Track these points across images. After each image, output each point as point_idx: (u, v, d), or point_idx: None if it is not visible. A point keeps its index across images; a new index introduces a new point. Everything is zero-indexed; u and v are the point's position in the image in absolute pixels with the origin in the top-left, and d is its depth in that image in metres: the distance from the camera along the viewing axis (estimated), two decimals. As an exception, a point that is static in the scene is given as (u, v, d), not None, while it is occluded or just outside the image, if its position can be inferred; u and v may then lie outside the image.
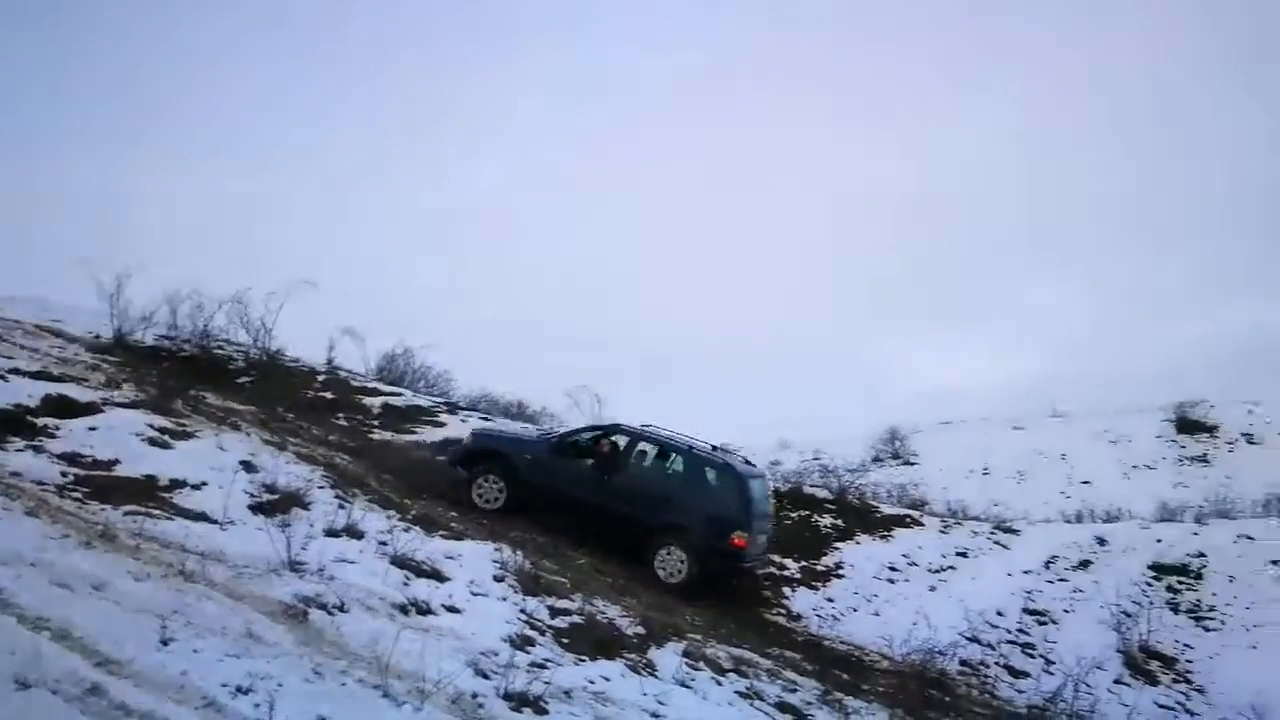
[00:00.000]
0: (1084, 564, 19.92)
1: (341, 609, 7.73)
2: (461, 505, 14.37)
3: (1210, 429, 36.85)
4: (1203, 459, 35.02)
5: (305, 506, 10.19)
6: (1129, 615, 17.28)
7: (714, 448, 15.84)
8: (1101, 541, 20.88)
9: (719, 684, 9.62)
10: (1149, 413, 38.97)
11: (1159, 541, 20.57)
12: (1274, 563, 19.17)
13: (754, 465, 17.29)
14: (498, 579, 10.10)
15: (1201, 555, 19.73)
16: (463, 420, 21.91)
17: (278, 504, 9.97)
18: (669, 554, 14.57)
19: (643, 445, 15.58)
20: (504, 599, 9.62)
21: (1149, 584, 18.94)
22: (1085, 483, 33.52)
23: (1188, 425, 37.06)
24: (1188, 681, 16.11)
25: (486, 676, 7.43)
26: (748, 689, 9.80)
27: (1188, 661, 16.66)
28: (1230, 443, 35.95)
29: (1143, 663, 16.28)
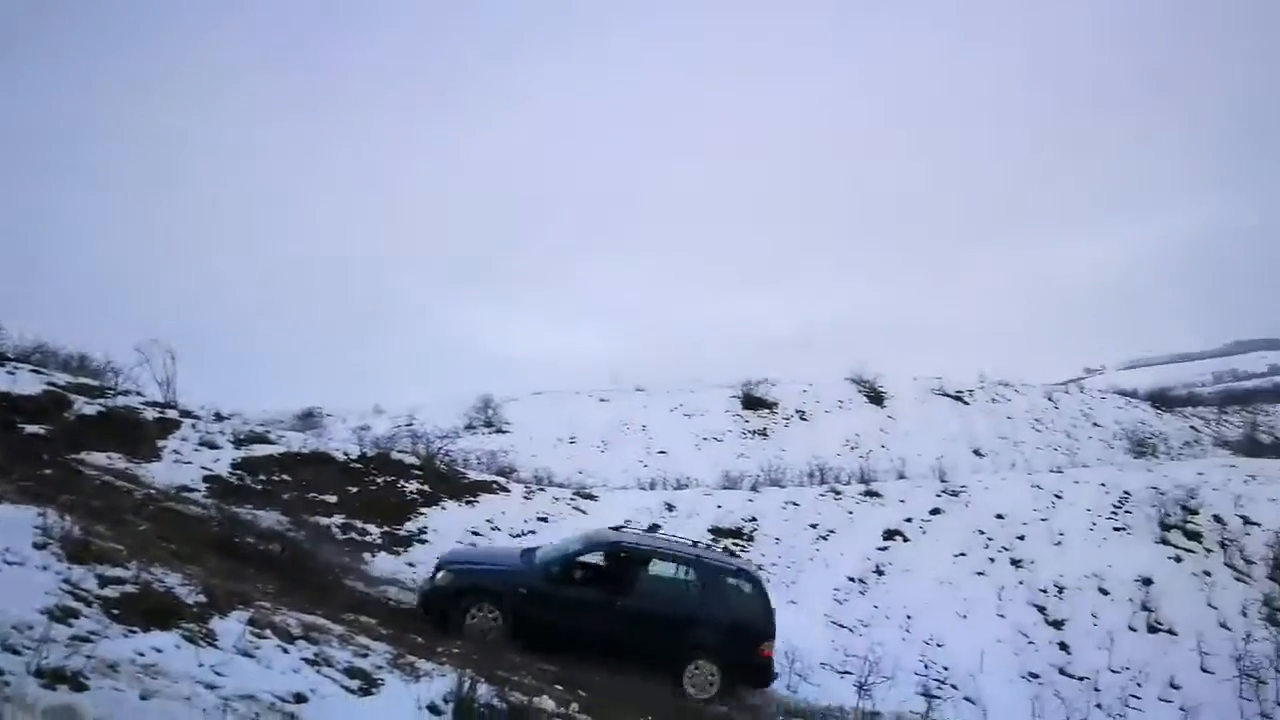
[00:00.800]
0: (653, 527, 21.25)
1: None
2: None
3: (771, 405, 40.55)
4: (763, 433, 38.48)
5: None
6: (689, 575, 18.69)
7: (694, 543, 14.77)
8: (670, 507, 22.42)
9: (285, 652, 9.33)
10: (720, 389, 42.26)
11: (719, 507, 22.42)
12: (812, 526, 21.49)
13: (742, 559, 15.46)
14: (39, 546, 9.19)
15: (754, 520, 21.73)
16: (10, 372, 19.72)
17: None
18: (698, 669, 13.13)
19: (649, 561, 13.84)
20: (45, 568, 8.77)
21: (708, 546, 20.59)
22: (662, 452, 35.79)
23: (752, 402, 40.55)
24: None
25: (17, 652, 6.75)
26: (316, 655, 9.58)
27: (736, 616, 18.30)
28: (786, 418, 39.77)
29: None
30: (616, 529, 15.13)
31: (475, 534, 19.90)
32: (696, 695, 12.86)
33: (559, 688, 10.90)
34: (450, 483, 22.09)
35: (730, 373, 42.67)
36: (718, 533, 21.11)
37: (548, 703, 9.36)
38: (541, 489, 23.69)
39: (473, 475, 23.36)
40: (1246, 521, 21.22)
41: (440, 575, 13.42)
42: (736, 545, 20.73)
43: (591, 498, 23.12)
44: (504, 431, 36.95)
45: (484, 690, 8.87)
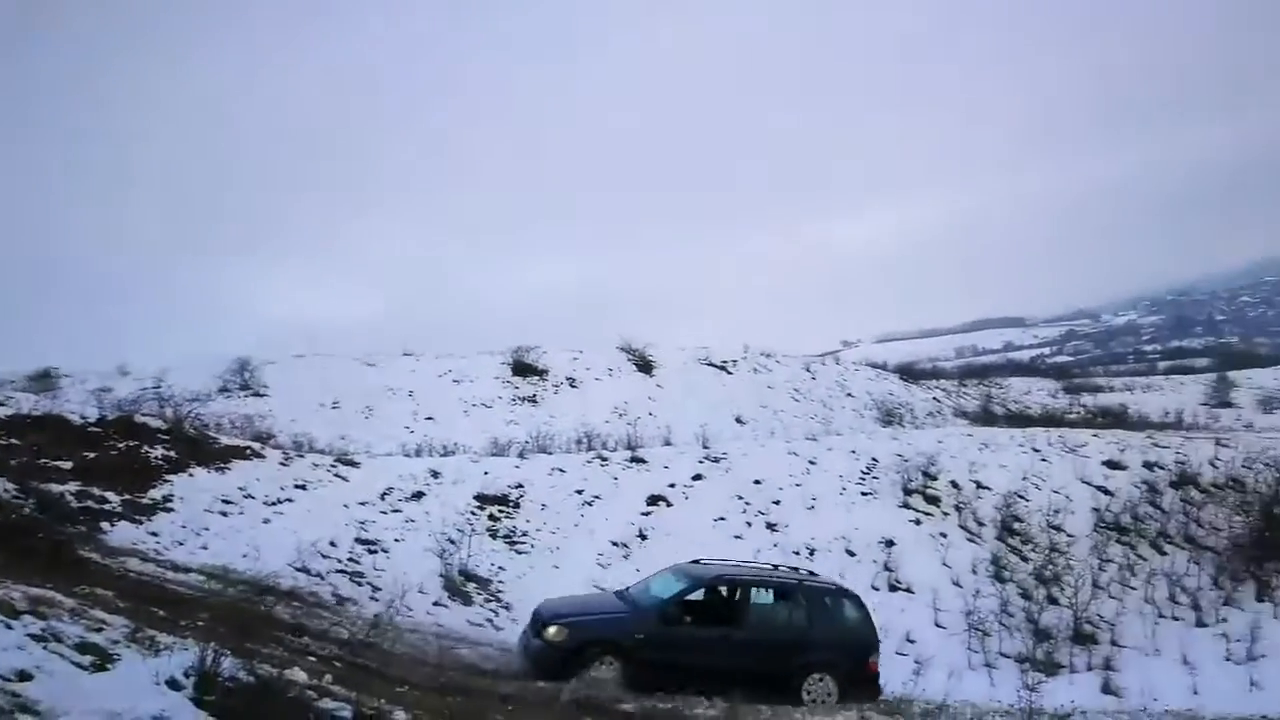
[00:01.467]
0: (418, 495, 20.94)
1: None
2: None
3: (541, 372, 40.52)
4: (532, 399, 38.41)
5: None
6: (453, 542, 18.50)
7: (775, 566, 14.71)
8: (435, 474, 22.09)
9: (9, 628, 8.60)
10: (491, 355, 41.91)
11: (486, 474, 22.26)
12: (579, 492, 21.65)
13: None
14: None
15: (520, 486, 21.71)
16: None
17: None
18: (821, 682, 13.12)
19: (753, 590, 13.69)
20: None
21: (473, 513, 20.44)
22: (429, 419, 35.17)
23: (522, 368, 40.41)
24: (498, 600, 17.67)
25: None
26: (44, 631, 8.88)
27: (500, 582, 18.26)
28: (556, 385, 39.84)
29: (461, 585, 17.55)
30: (695, 562, 14.83)
31: (227, 502, 19.00)
32: (810, 703, 12.91)
33: (312, 659, 10.58)
34: (200, 448, 20.99)
35: (502, 338, 42.22)
36: (484, 500, 20.98)
37: (299, 674, 9.01)
38: (300, 455, 22.86)
39: (225, 440, 22.28)
40: (979, 486, 22.84)
41: (553, 631, 12.74)
42: (502, 512, 20.66)
43: (353, 464, 22.50)
44: (261, 395, 35.40)
45: (229, 663, 8.46)
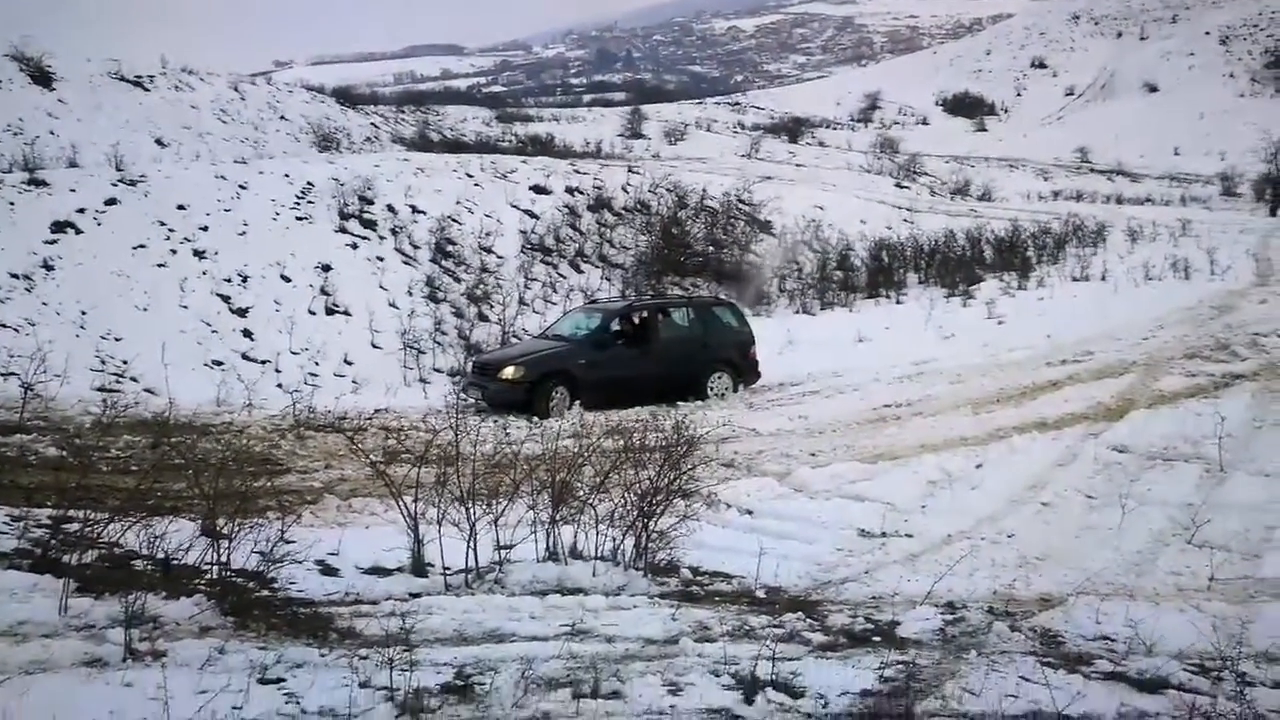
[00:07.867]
0: None
1: None
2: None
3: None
4: (-105, 112, 32.18)
5: None
6: None
7: (659, 295, 20.14)
8: None
9: None
10: None
11: None
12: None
13: None
14: None
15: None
16: None
17: None
18: (720, 379, 15.97)
19: (659, 312, 16.73)
20: None
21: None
22: None
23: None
24: None
25: None
26: None
27: None
28: (-73, 96, 33.64)
29: None
30: (594, 301, 19.28)
31: None
32: (718, 398, 15.65)
33: None
34: None
35: None
36: None
37: None
38: None
39: None
40: (415, 210, 23.26)
41: (511, 371, 14.83)
42: None
43: None
44: None
45: None
